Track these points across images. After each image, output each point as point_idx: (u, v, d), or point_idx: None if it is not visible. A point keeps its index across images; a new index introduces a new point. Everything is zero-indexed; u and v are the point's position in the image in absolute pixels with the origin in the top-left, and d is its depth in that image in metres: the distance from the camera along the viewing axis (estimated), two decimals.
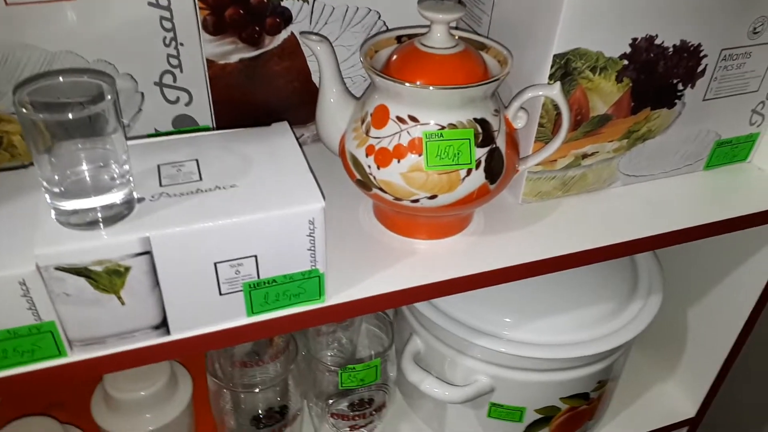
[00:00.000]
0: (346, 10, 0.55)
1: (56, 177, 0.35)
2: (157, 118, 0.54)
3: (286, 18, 0.53)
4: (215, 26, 0.52)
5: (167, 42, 0.51)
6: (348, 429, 0.58)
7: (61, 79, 0.34)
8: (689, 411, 0.78)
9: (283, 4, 0.53)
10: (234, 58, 0.54)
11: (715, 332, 0.73)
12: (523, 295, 0.63)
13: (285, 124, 0.48)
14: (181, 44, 0.51)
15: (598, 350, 0.60)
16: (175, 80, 0.53)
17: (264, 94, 0.57)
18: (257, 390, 0.54)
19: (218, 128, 0.56)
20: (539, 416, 0.65)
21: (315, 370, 0.58)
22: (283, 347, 0.60)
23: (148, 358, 0.41)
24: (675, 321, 0.78)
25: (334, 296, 0.45)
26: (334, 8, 0.54)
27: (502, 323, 0.61)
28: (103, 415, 0.55)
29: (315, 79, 0.58)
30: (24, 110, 0.32)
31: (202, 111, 0.55)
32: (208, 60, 0.53)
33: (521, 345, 0.59)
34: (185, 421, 0.58)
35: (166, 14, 0.49)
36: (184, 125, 0.55)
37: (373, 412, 0.58)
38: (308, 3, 0.53)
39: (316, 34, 0.52)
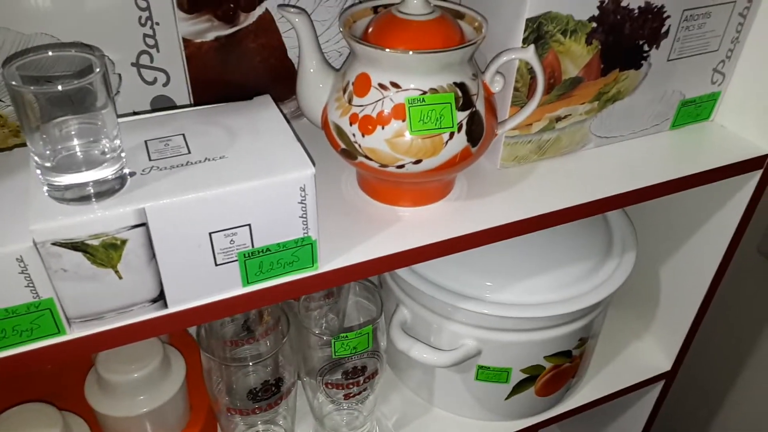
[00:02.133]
0: None
1: (47, 152, 0.35)
2: (136, 100, 0.54)
3: None
4: (190, 4, 0.52)
5: (143, 21, 0.51)
6: (342, 398, 0.60)
7: (49, 53, 0.34)
8: (665, 365, 0.81)
9: None
10: (210, 36, 0.54)
11: (686, 288, 0.76)
12: (504, 259, 0.65)
13: (267, 97, 0.48)
14: (157, 23, 0.51)
15: (578, 307, 0.62)
16: (152, 60, 0.53)
17: (241, 72, 0.57)
18: (251, 364, 0.55)
19: None
20: (525, 376, 0.68)
21: (307, 343, 0.59)
22: (273, 324, 0.61)
23: (146, 332, 0.41)
24: (648, 279, 0.81)
25: (326, 264, 0.46)
26: None
27: (485, 287, 0.63)
28: (97, 398, 0.55)
29: (291, 55, 0.58)
30: (14, 83, 0.32)
31: (180, 91, 0.55)
32: (184, 39, 0.53)
33: (505, 306, 0.61)
34: (179, 402, 0.59)
35: None
36: (162, 106, 0.55)
37: (367, 380, 0.59)
38: None
39: (294, 6, 0.52)
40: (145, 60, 0.53)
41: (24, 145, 0.48)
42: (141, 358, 0.55)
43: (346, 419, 0.68)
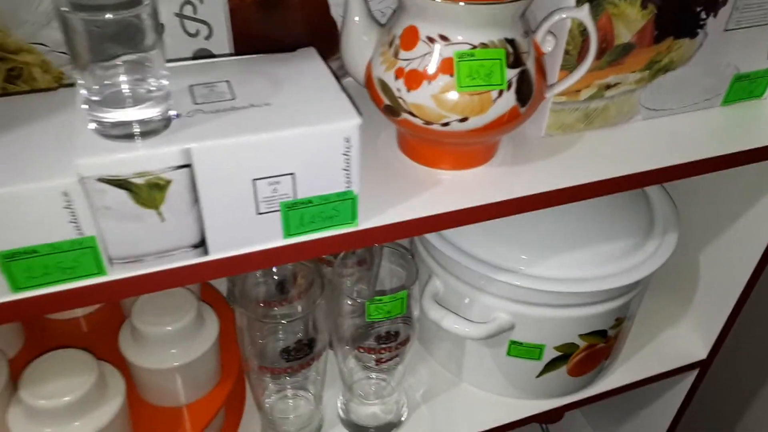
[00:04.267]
0: None
1: (95, 87, 0.35)
2: (177, 51, 0.54)
3: None
4: None
5: None
6: (374, 362, 0.59)
7: None
8: (701, 353, 0.79)
9: None
10: None
11: (727, 275, 0.74)
12: (542, 232, 0.63)
13: (311, 49, 0.48)
14: None
15: (617, 285, 0.60)
16: (195, 11, 0.52)
17: (283, 27, 0.56)
18: (285, 322, 0.54)
19: None
20: (558, 354, 0.66)
21: (339, 309, 0.58)
22: (306, 287, 0.61)
23: (186, 278, 0.41)
24: (688, 264, 0.79)
25: (365, 221, 0.45)
26: None
27: (521, 260, 0.61)
28: (130, 348, 0.55)
29: (334, 13, 0.57)
30: (64, 9, 0.32)
31: (222, 45, 0.55)
32: None
33: (540, 280, 0.60)
34: (211, 359, 0.59)
35: None
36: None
37: (399, 346, 0.58)
38: None
39: None
40: (188, 11, 0.52)
41: (68, 86, 0.48)
42: (175, 312, 0.55)
43: (374, 388, 0.67)
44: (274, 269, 0.60)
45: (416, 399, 0.72)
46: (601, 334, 0.66)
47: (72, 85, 0.44)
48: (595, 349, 0.68)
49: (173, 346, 0.56)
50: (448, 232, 0.65)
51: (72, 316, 0.67)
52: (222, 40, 0.54)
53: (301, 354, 0.55)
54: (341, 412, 0.68)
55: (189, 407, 0.59)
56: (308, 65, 0.45)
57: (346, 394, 0.67)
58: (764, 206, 0.68)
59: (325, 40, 0.58)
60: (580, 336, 0.65)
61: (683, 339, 0.81)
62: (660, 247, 0.65)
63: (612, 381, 0.75)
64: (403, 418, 0.69)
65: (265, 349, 0.55)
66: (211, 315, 0.59)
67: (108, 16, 0.32)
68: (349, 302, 0.58)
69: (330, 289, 0.59)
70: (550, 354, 0.66)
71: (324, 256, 0.65)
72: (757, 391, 1.02)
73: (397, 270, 0.63)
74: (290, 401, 0.66)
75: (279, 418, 0.64)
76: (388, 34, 0.46)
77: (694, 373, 0.81)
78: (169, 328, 0.55)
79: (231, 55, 0.55)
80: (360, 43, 0.48)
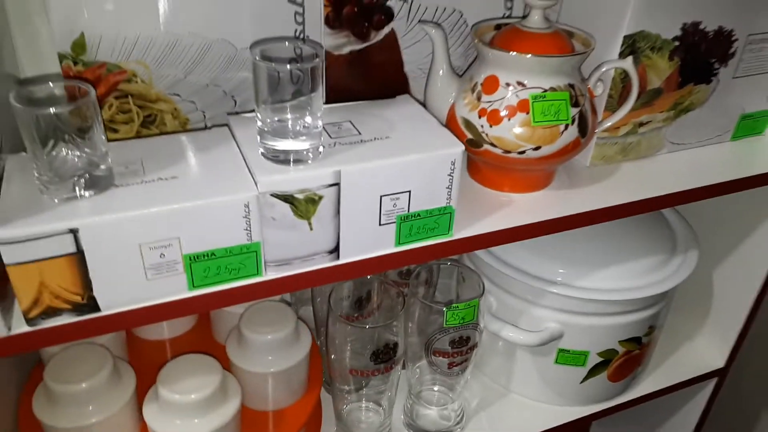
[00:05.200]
0: (436, 9, 0.66)
1: (269, 120, 0.45)
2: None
3: (389, 15, 0.64)
4: (334, 21, 0.62)
5: (298, 34, 0.61)
6: (447, 366, 0.67)
7: (287, 43, 0.44)
8: (718, 362, 0.88)
9: (387, 3, 0.63)
10: (345, 50, 0.64)
11: (738, 288, 0.84)
12: (580, 249, 0.73)
13: (407, 96, 0.58)
14: (308, 36, 0.61)
15: (651, 293, 0.70)
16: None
17: (366, 81, 0.67)
18: (374, 327, 0.63)
19: None
20: (600, 359, 0.75)
21: (418, 312, 0.66)
22: (379, 303, 0.69)
23: (323, 278, 0.50)
24: (703, 280, 0.89)
25: (458, 233, 0.54)
26: (427, 8, 0.65)
27: (565, 274, 0.71)
28: (236, 352, 0.63)
29: (407, 69, 0.68)
30: (257, 59, 0.42)
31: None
32: (326, 51, 0.63)
33: (588, 290, 0.69)
34: (303, 369, 0.66)
35: (300, 9, 0.59)
36: None
37: (469, 351, 0.67)
38: (407, 2, 0.64)
39: (432, 21, 0.62)
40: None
41: (220, 126, 0.57)
42: (278, 323, 0.63)
43: (437, 396, 0.75)
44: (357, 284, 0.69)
45: (471, 408, 0.79)
46: (636, 340, 0.75)
47: (223, 125, 0.54)
48: (631, 355, 0.77)
49: (272, 353, 0.63)
50: (498, 251, 0.74)
51: (160, 338, 0.74)
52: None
53: (387, 357, 0.63)
54: (407, 418, 0.75)
55: (284, 411, 0.66)
56: (409, 107, 0.55)
57: (411, 401, 0.74)
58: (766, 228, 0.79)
59: (399, 91, 0.68)
60: (620, 342, 0.74)
61: (702, 349, 0.90)
62: (684, 262, 0.75)
63: (644, 387, 0.84)
64: (461, 426, 0.76)
65: (357, 354, 0.63)
66: (305, 331, 0.67)
67: (288, 67, 0.42)
68: (423, 315, 0.66)
69: (404, 303, 0.67)
70: (593, 360, 0.75)
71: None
72: None
73: (451, 284, 0.72)
74: (364, 412, 0.73)
75: (354, 427, 0.71)
76: (470, 82, 0.57)
77: (713, 381, 0.90)
78: (270, 337, 0.63)
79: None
80: (444, 92, 0.58)
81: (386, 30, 0.65)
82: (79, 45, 0.54)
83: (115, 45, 0.54)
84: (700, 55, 0.62)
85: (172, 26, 0.55)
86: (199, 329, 0.75)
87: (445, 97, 0.59)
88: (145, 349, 0.72)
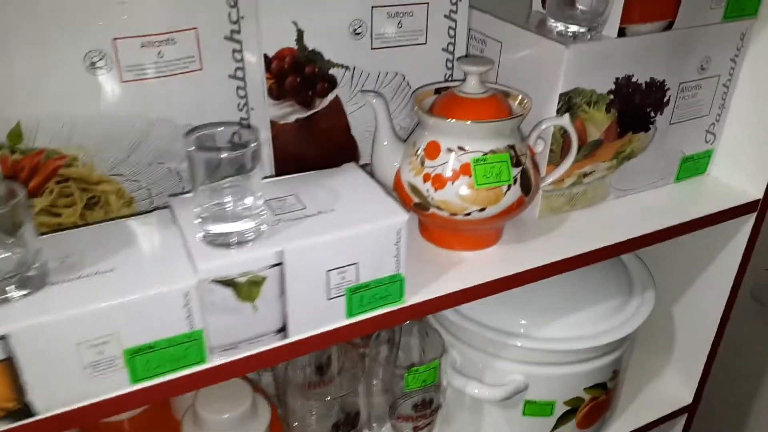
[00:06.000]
0: (378, 74, 0.67)
1: (207, 205, 0.44)
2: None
3: (332, 83, 0.65)
4: (278, 92, 0.62)
5: (241, 107, 0.61)
6: (412, 430, 0.66)
7: (220, 129, 0.44)
8: (686, 398, 0.89)
9: (330, 72, 0.64)
10: (291, 119, 0.64)
11: (699, 325, 0.85)
12: (539, 299, 0.73)
13: (353, 164, 0.58)
14: (252, 108, 0.61)
15: (613, 338, 0.70)
16: (240, 138, 0.63)
17: (314, 147, 0.67)
18: (328, 399, 0.61)
19: None
20: (567, 408, 0.74)
21: (371, 386, 0.66)
22: (345, 367, 0.68)
23: (270, 360, 0.49)
24: (663, 319, 0.90)
25: (410, 299, 0.54)
26: (369, 74, 0.66)
27: (527, 325, 0.71)
28: None
29: (354, 132, 0.69)
30: (191, 149, 0.41)
31: (266, 164, 0.65)
32: (271, 121, 0.63)
33: (549, 341, 0.69)
34: None
35: (241, 84, 0.60)
36: None
37: (432, 413, 0.66)
38: (349, 70, 0.65)
39: (373, 91, 0.63)
40: (236, 138, 0.62)
41: (141, 212, 0.57)
42: (234, 400, 0.62)
43: None
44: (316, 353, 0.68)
45: None
46: (602, 386, 0.75)
47: (148, 211, 0.53)
48: (598, 401, 0.76)
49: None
50: (460, 306, 0.74)
51: (117, 419, 0.72)
52: (266, 160, 0.64)
53: (349, 427, 0.62)
54: None
55: None
56: (354, 176, 0.56)
57: None
58: (723, 260, 0.80)
59: (348, 154, 0.69)
60: (585, 389, 0.74)
61: (669, 387, 0.90)
62: (642, 304, 0.76)
63: (615, 431, 0.83)
64: None
65: (319, 426, 0.62)
66: (263, 404, 0.65)
67: (224, 155, 0.42)
68: (381, 379, 0.65)
69: (365, 366, 0.66)
70: (560, 409, 0.74)
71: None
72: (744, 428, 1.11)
73: (417, 343, 0.71)
74: None
75: None
76: (413, 147, 0.57)
77: (684, 418, 0.90)
78: (227, 416, 0.61)
79: (272, 170, 0.65)
80: (389, 158, 0.59)
81: (331, 96, 0.65)
82: (16, 134, 0.53)
83: (53, 131, 0.54)
84: (635, 106, 0.64)
85: (110, 109, 0.55)
86: (157, 408, 0.73)
87: (390, 163, 0.59)
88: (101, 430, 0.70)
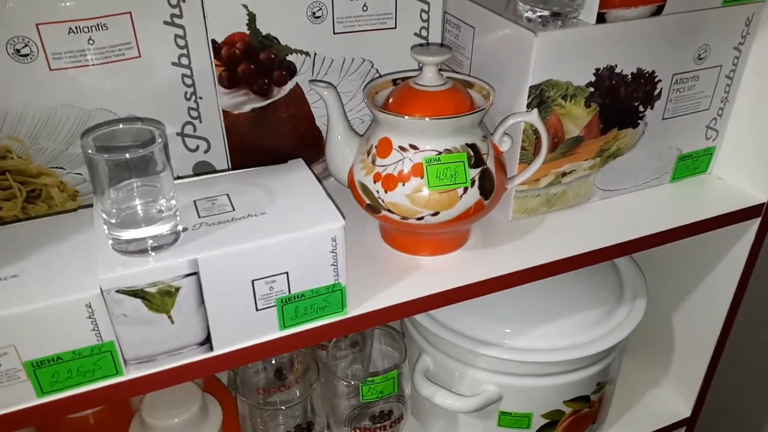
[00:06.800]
0: (343, 61, 0.62)
1: (113, 210, 0.41)
2: (179, 166, 0.60)
3: (291, 71, 0.60)
4: (230, 81, 0.58)
5: (188, 96, 0.57)
6: None
7: (120, 126, 0.40)
8: (684, 411, 0.83)
9: (288, 58, 0.59)
10: (246, 108, 0.60)
11: (699, 334, 0.79)
12: (520, 306, 0.68)
13: (300, 161, 0.54)
14: (200, 98, 0.58)
15: (594, 351, 0.65)
16: (195, 130, 0.59)
17: (274, 139, 0.63)
18: (284, 408, 0.58)
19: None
20: (546, 421, 0.70)
21: (335, 391, 0.62)
22: (302, 372, 0.65)
23: (195, 373, 0.46)
24: (662, 326, 0.83)
25: (354, 309, 0.50)
26: (333, 60, 0.61)
27: (504, 333, 0.66)
28: None
29: (319, 123, 0.64)
30: (90, 152, 0.38)
31: (220, 157, 0.61)
32: (223, 111, 0.59)
33: (524, 352, 0.64)
34: None
35: (187, 72, 0.56)
36: (203, 171, 0.61)
37: (393, 425, 0.62)
38: (310, 56, 0.60)
39: (324, 81, 0.58)
40: (189, 130, 0.59)
41: (86, 206, 0.54)
42: (182, 404, 0.59)
43: None
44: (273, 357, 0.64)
45: None
46: (584, 399, 0.70)
47: (90, 205, 0.50)
48: (580, 414, 0.71)
49: None
50: (435, 311, 0.70)
51: (81, 414, 0.70)
52: (219, 152, 0.61)
53: None
54: None
55: None
56: (298, 175, 0.51)
57: None
58: (725, 266, 0.74)
59: (312, 147, 0.65)
60: (565, 402, 0.69)
61: (666, 399, 0.84)
62: (631, 313, 0.70)
63: None
64: None
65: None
66: (215, 405, 0.62)
67: (127, 156, 0.38)
68: (344, 384, 0.62)
69: (325, 373, 0.63)
70: (538, 422, 0.70)
71: None
72: None
73: (388, 350, 0.67)
74: None
75: None
76: (366, 143, 0.53)
77: (682, 431, 0.84)
78: (176, 420, 0.59)
79: (228, 164, 0.62)
80: (343, 154, 0.54)
81: (290, 85, 0.61)
82: None
83: None
84: (620, 99, 0.58)
85: (41, 99, 0.51)
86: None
87: (344, 160, 0.55)
88: (59, 427, 0.68)
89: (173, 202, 0.42)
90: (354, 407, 0.60)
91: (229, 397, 0.68)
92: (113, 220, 0.41)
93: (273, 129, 0.63)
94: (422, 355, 0.71)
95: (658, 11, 0.55)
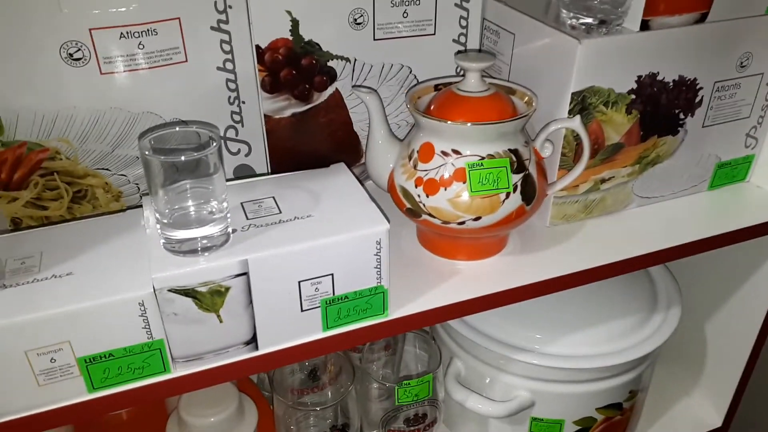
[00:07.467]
0: (382, 67, 0.63)
1: (167, 211, 0.42)
2: None
3: (332, 76, 0.61)
4: (272, 85, 0.59)
5: (231, 100, 0.58)
6: None
7: (177, 129, 0.41)
8: (716, 421, 0.82)
9: (329, 64, 0.60)
10: (287, 113, 0.61)
11: (733, 343, 0.78)
12: (554, 312, 0.68)
13: (342, 165, 0.54)
14: (243, 102, 0.59)
15: (628, 359, 0.65)
16: (237, 134, 0.60)
17: (312, 143, 0.64)
18: (319, 409, 0.59)
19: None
20: (578, 428, 0.69)
21: (368, 394, 0.62)
22: (336, 374, 0.65)
23: (240, 372, 0.46)
24: (695, 335, 0.83)
25: (395, 312, 0.50)
26: (372, 66, 0.62)
27: (537, 339, 0.66)
28: None
29: (356, 128, 0.65)
30: (146, 153, 0.39)
31: (260, 160, 0.62)
32: (265, 115, 0.60)
33: (557, 358, 0.64)
34: None
35: (231, 76, 0.57)
36: (244, 174, 0.62)
37: (426, 428, 0.62)
38: (350, 62, 0.61)
39: (366, 86, 0.59)
40: (231, 133, 0.60)
41: (132, 207, 0.55)
42: (219, 403, 0.60)
43: None
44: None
45: None
46: (616, 407, 0.70)
47: (135, 206, 0.51)
48: (612, 421, 0.71)
49: None
50: (468, 316, 0.70)
51: (117, 412, 0.71)
52: (260, 156, 0.61)
53: None
54: None
55: None
56: (340, 179, 0.52)
57: None
58: (762, 276, 0.73)
59: (350, 151, 0.65)
60: (597, 410, 0.69)
61: (698, 408, 0.84)
62: (665, 321, 0.69)
63: None
64: None
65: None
66: (250, 406, 0.63)
67: (182, 158, 0.39)
68: (378, 387, 0.62)
69: (359, 375, 0.63)
70: (569, 429, 0.69)
71: None
72: None
73: (421, 354, 0.68)
74: None
75: None
76: (408, 148, 0.53)
77: None
78: (213, 419, 0.59)
79: (267, 168, 0.63)
80: (383, 158, 0.55)
81: (330, 90, 0.62)
82: None
83: (33, 123, 0.52)
84: (661, 107, 0.58)
85: (91, 102, 0.53)
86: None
87: (385, 164, 0.55)
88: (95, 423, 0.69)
89: (225, 204, 0.43)
90: (387, 410, 0.61)
91: (262, 398, 0.68)
92: (166, 220, 0.42)
93: (312, 133, 0.63)
94: (454, 359, 0.71)
95: (701, 19, 0.55)
